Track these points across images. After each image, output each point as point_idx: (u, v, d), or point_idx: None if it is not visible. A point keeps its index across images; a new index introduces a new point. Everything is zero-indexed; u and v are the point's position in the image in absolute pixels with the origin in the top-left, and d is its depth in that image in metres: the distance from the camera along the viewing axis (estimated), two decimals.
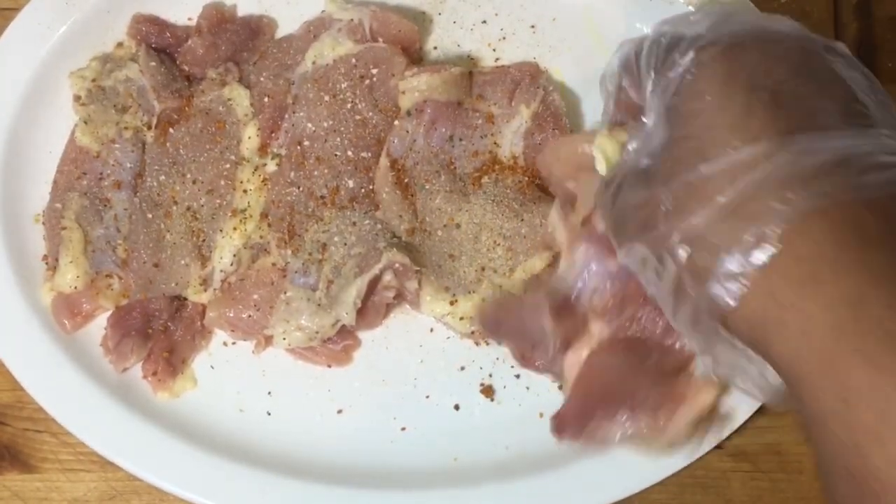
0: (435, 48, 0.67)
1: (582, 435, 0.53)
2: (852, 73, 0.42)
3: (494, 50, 0.67)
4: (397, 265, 0.59)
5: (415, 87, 0.63)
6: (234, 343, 0.63)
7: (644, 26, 0.66)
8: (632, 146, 0.45)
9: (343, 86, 0.63)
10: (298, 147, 0.63)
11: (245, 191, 0.63)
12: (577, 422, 0.53)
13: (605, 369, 0.54)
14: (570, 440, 0.53)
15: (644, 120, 0.45)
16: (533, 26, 0.67)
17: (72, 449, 0.61)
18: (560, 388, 0.57)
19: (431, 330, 0.62)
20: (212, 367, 0.62)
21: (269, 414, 0.61)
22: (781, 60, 0.41)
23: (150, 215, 0.63)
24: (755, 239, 0.37)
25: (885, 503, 0.33)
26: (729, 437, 0.60)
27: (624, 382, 0.54)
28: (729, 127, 0.40)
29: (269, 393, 0.62)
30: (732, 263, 0.38)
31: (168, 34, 0.66)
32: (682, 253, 0.40)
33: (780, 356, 0.37)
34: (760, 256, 0.37)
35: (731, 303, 0.39)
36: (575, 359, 0.55)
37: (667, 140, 0.42)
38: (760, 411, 0.60)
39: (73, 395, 0.59)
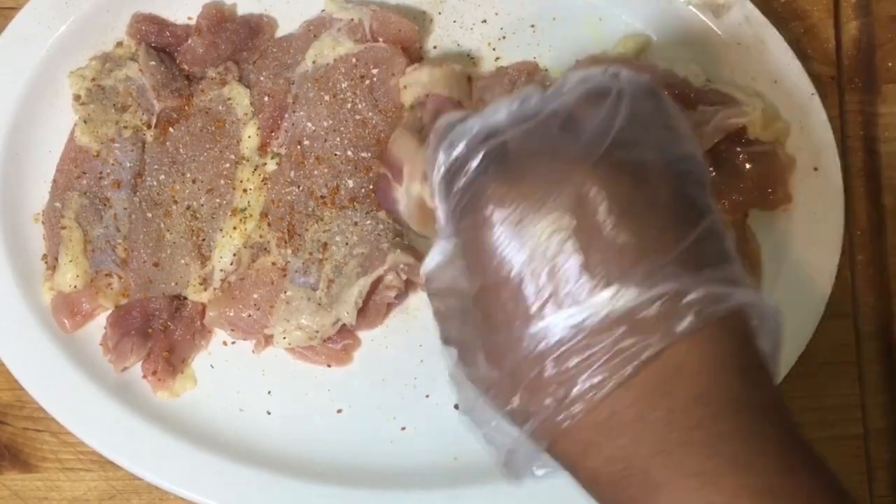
0: (435, 47, 0.67)
1: None
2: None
3: (494, 49, 0.67)
4: (402, 265, 0.59)
5: (417, 80, 0.62)
6: (233, 342, 0.63)
7: (644, 26, 0.66)
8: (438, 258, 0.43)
9: (343, 85, 0.63)
10: (298, 146, 0.63)
11: (245, 190, 0.63)
12: None
13: None
14: None
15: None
16: (533, 26, 0.67)
17: (72, 448, 0.61)
18: None
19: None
20: (212, 367, 0.62)
21: (269, 413, 0.61)
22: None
23: (149, 214, 0.63)
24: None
25: None
26: None
27: None
28: (513, 297, 0.38)
29: (269, 392, 0.62)
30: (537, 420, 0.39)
31: (168, 33, 0.66)
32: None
33: (580, 485, 0.40)
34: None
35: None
36: None
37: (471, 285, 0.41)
38: None
39: (73, 395, 0.59)
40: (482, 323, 0.40)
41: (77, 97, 0.64)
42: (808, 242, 0.62)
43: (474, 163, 0.40)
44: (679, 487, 0.36)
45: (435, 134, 0.43)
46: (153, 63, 0.64)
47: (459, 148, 0.41)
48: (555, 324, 0.37)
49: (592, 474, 0.38)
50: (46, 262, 0.63)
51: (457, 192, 0.40)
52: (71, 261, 0.61)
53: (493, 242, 0.38)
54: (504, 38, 0.67)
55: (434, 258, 0.42)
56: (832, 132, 0.63)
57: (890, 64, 0.68)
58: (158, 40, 0.66)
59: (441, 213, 0.42)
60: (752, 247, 0.63)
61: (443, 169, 0.41)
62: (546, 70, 0.65)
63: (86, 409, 0.59)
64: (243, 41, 0.66)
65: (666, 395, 0.37)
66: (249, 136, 0.64)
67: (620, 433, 0.37)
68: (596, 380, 0.37)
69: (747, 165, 0.62)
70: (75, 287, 0.61)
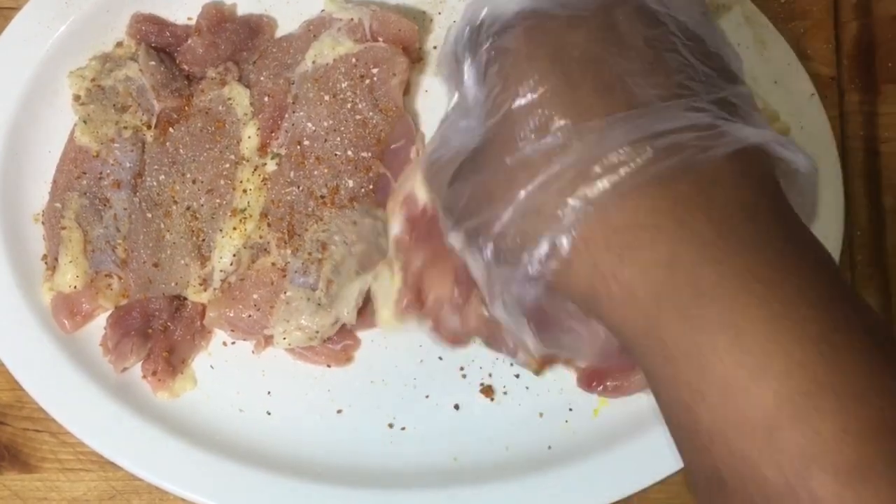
0: (435, 48, 0.67)
1: (617, 386, 0.58)
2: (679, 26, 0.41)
3: None
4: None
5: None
6: (233, 343, 0.63)
7: None
8: (461, 123, 0.44)
9: (343, 85, 0.63)
10: (298, 147, 0.63)
11: (245, 190, 0.63)
12: (612, 374, 0.58)
13: None
14: (601, 392, 0.59)
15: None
16: None
17: (71, 448, 0.61)
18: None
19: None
20: (211, 367, 0.62)
21: (269, 414, 0.61)
22: (582, 30, 0.39)
23: (149, 215, 0.63)
24: (548, 245, 0.38)
25: (713, 454, 0.34)
26: None
27: None
28: (527, 115, 0.39)
29: (269, 393, 0.62)
30: (532, 265, 0.38)
31: (168, 33, 0.66)
32: (488, 252, 0.41)
33: (611, 322, 0.38)
34: (552, 262, 0.38)
35: (534, 300, 0.40)
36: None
37: (486, 128, 0.41)
38: None
39: (73, 395, 0.59)
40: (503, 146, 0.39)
41: (77, 97, 0.64)
42: None
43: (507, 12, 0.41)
44: (733, 297, 0.34)
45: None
46: (153, 63, 0.64)
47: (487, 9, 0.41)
48: (599, 123, 0.37)
49: (628, 287, 0.36)
50: (46, 263, 0.63)
51: (490, 40, 0.41)
52: (71, 261, 0.61)
53: (529, 67, 0.39)
54: None
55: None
56: (832, 132, 0.63)
57: (890, 64, 0.68)
58: (158, 40, 0.66)
59: (469, 71, 0.42)
60: None
61: (468, 28, 0.42)
62: None
63: (86, 410, 0.59)
64: (243, 41, 0.66)
65: (706, 203, 0.36)
66: (249, 137, 0.64)
67: (661, 236, 0.36)
68: (630, 168, 0.36)
69: None
70: (75, 287, 0.61)
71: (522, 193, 0.38)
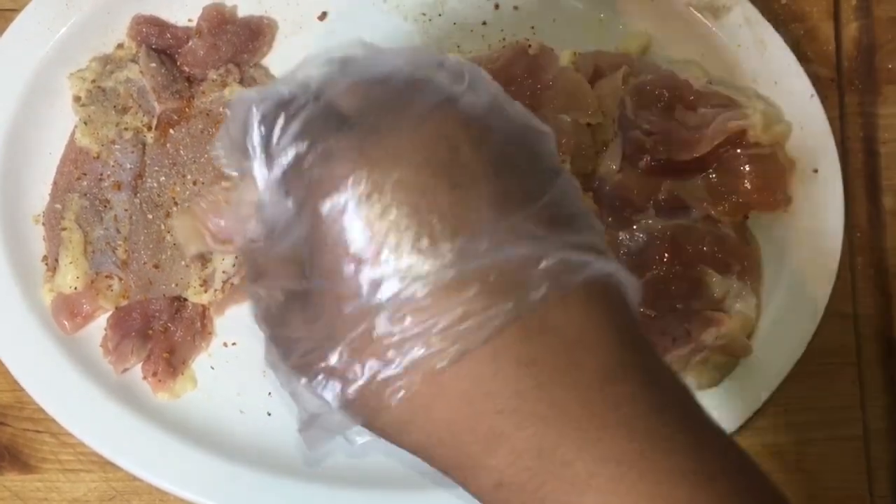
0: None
1: None
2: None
3: None
4: None
5: None
6: (234, 344, 0.63)
7: (644, 28, 0.66)
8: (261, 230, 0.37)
9: None
10: None
11: None
12: None
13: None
14: None
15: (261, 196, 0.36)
16: (533, 27, 0.67)
17: (72, 449, 0.61)
18: None
19: None
20: (212, 368, 0.62)
21: (269, 414, 0.61)
22: (412, 157, 0.33)
23: (150, 216, 0.63)
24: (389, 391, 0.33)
25: None
26: None
27: (654, 327, 0.59)
28: (352, 260, 0.33)
29: (269, 393, 0.62)
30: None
31: (168, 35, 0.66)
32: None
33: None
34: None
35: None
36: None
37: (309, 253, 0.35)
38: (760, 412, 0.60)
39: (73, 396, 0.59)
40: (309, 267, 0.34)
41: (77, 99, 0.64)
42: (809, 244, 0.62)
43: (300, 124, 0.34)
44: (609, 488, 0.32)
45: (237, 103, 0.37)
46: (154, 65, 0.65)
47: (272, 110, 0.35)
48: (391, 273, 0.32)
49: (497, 472, 0.33)
50: (47, 264, 0.63)
51: (288, 156, 0.34)
52: (71, 262, 0.61)
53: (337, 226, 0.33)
54: (504, 39, 0.67)
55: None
56: (832, 134, 0.63)
57: (890, 65, 0.68)
58: (159, 42, 0.66)
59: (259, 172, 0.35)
60: (752, 248, 0.63)
61: (258, 129, 0.35)
62: None
63: (86, 410, 0.59)
64: (244, 43, 0.66)
65: (570, 371, 0.33)
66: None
67: (527, 421, 0.32)
68: (444, 344, 0.32)
69: (747, 167, 0.62)
70: (75, 288, 0.61)
71: (333, 358, 0.34)
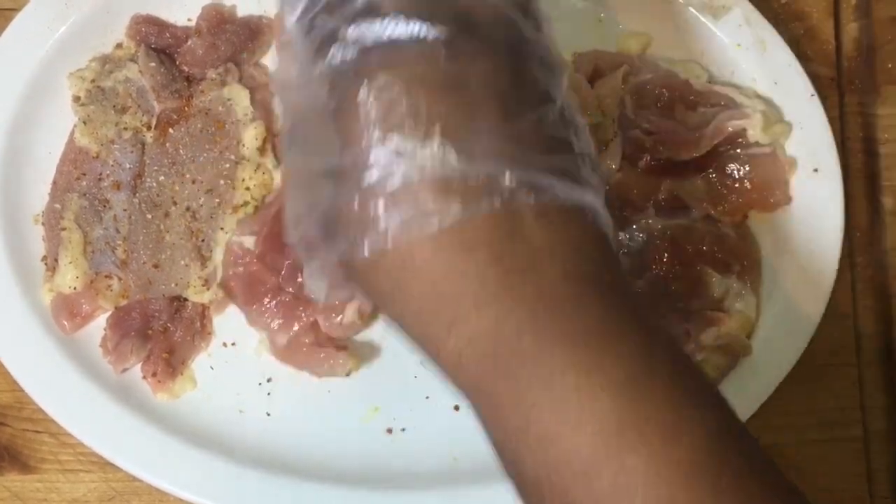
0: None
1: None
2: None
3: None
4: None
5: None
6: (233, 344, 0.63)
7: (644, 27, 0.66)
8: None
9: None
10: None
11: (247, 188, 0.63)
12: None
13: None
14: None
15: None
16: None
17: (71, 449, 0.61)
18: None
19: None
20: (211, 368, 0.62)
21: (269, 414, 0.61)
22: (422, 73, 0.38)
23: (149, 216, 0.63)
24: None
25: (545, 499, 0.37)
26: None
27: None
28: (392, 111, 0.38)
29: (269, 394, 0.62)
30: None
31: (167, 35, 0.66)
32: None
33: (439, 365, 0.39)
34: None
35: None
36: None
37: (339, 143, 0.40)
38: (759, 412, 0.60)
39: (73, 396, 0.59)
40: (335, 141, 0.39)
41: (77, 98, 0.64)
42: (808, 244, 0.62)
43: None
44: (550, 360, 0.36)
45: None
46: (153, 64, 0.64)
47: None
48: (392, 155, 0.37)
49: (455, 353, 0.38)
50: (46, 264, 0.62)
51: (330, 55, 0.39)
52: (71, 262, 0.61)
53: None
54: None
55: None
56: (832, 134, 0.63)
57: (890, 65, 0.68)
58: (158, 42, 0.66)
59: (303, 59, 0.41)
60: (752, 248, 0.63)
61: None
62: None
63: (85, 411, 0.59)
64: (243, 42, 0.66)
65: (534, 272, 0.37)
66: (256, 138, 0.64)
67: (487, 307, 0.36)
68: (422, 222, 0.37)
69: (747, 167, 0.62)
70: (75, 288, 0.61)
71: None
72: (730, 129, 0.61)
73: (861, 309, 0.65)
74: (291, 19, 0.41)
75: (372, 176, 0.37)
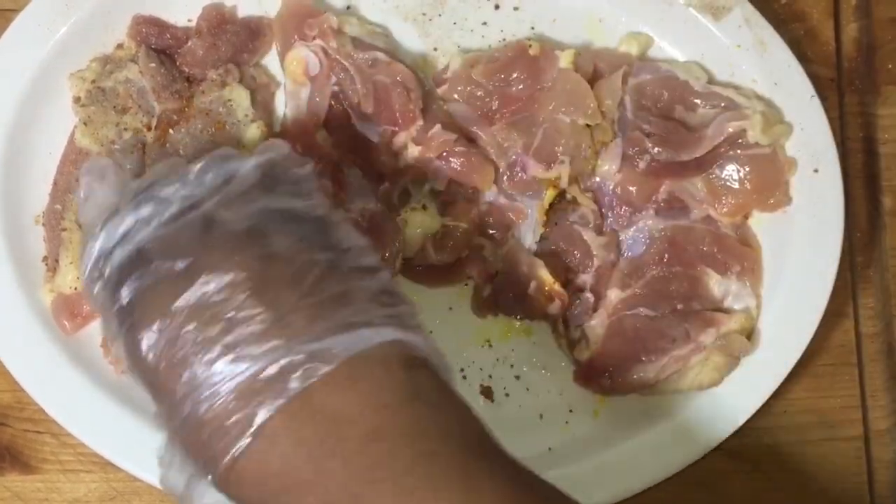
0: (435, 49, 0.67)
1: (613, 383, 0.60)
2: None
3: None
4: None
5: None
6: None
7: (644, 28, 0.66)
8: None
9: None
10: None
11: None
12: (609, 370, 0.60)
13: (634, 319, 0.60)
14: (598, 390, 0.61)
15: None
16: (533, 27, 0.67)
17: (72, 450, 0.62)
18: None
19: (430, 332, 0.62)
20: None
21: None
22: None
23: None
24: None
25: None
26: (729, 438, 0.60)
27: (654, 327, 0.60)
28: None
29: None
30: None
31: (168, 35, 0.66)
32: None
33: None
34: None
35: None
36: (599, 319, 0.61)
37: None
38: (760, 412, 0.60)
39: (73, 397, 0.59)
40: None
41: (77, 99, 0.64)
42: (809, 244, 0.62)
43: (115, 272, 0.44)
44: None
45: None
46: (153, 65, 0.64)
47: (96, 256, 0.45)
48: (201, 375, 0.41)
49: None
50: (47, 264, 0.62)
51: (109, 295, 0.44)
52: (71, 262, 0.61)
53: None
54: (504, 39, 0.67)
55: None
56: (832, 134, 0.63)
57: (890, 65, 0.68)
58: (159, 42, 0.66)
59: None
60: (752, 248, 0.63)
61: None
62: None
63: (86, 411, 0.59)
64: (243, 43, 0.66)
65: (338, 443, 0.39)
66: (251, 139, 0.64)
67: (307, 493, 0.39)
68: (228, 441, 0.40)
69: (747, 168, 0.62)
70: (75, 289, 0.61)
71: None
72: (730, 129, 0.61)
73: (861, 309, 0.65)
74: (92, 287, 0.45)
75: (184, 411, 0.42)
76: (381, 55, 0.63)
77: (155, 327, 0.42)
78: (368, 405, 0.40)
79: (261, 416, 0.39)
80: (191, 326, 0.41)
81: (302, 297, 0.41)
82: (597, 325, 0.61)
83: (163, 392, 0.43)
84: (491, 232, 0.63)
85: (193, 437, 0.42)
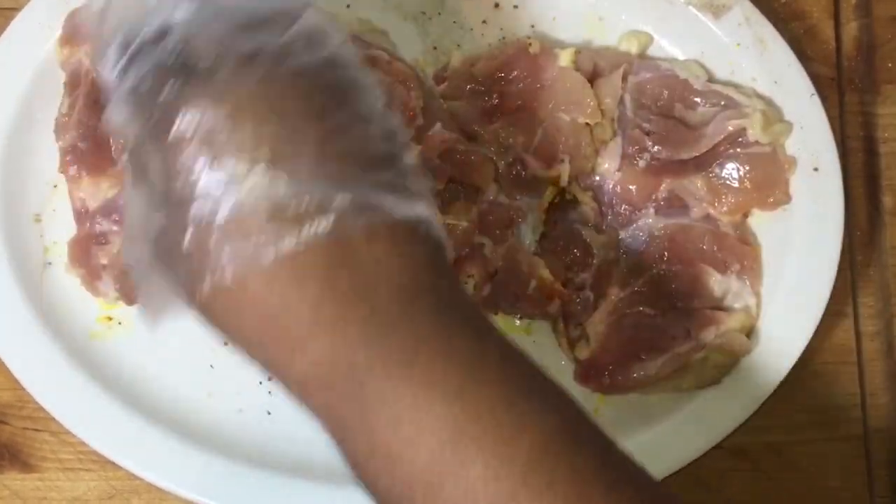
0: (435, 48, 0.67)
1: (613, 382, 0.60)
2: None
3: None
4: None
5: None
6: None
7: (644, 26, 0.66)
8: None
9: None
10: None
11: None
12: (609, 369, 0.60)
13: (634, 317, 0.60)
14: (598, 388, 0.61)
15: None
16: (532, 26, 0.67)
17: (71, 448, 0.61)
18: None
19: None
20: (212, 367, 0.62)
21: (270, 414, 0.61)
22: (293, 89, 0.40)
23: None
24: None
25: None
26: (729, 437, 0.60)
27: (654, 326, 0.60)
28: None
29: (270, 393, 0.62)
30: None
31: None
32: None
33: (284, 385, 0.41)
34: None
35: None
36: (599, 317, 0.60)
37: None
38: (760, 412, 0.60)
39: (73, 395, 0.59)
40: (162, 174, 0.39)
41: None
42: (808, 243, 0.62)
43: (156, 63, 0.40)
44: (384, 376, 0.37)
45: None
46: None
47: (135, 45, 0.40)
48: (222, 188, 0.37)
49: (301, 377, 0.39)
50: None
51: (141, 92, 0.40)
52: None
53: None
54: (504, 38, 0.67)
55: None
56: (832, 133, 0.63)
57: (890, 64, 0.68)
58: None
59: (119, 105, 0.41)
60: (752, 247, 0.63)
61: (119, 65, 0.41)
62: None
63: (86, 409, 0.59)
64: None
65: (364, 291, 0.37)
66: None
67: (322, 334, 0.37)
68: (253, 253, 0.37)
69: (747, 166, 0.62)
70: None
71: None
72: (730, 128, 0.61)
73: (861, 308, 0.65)
74: (109, 74, 0.41)
75: (201, 208, 0.37)
76: (380, 54, 0.63)
77: (199, 111, 0.38)
78: (399, 270, 0.38)
79: (288, 241, 0.37)
80: (237, 126, 0.38)
81: (359, 140, 0.39)
82: (597, 323, 0.61)
83: (180, 174, 0.38)
84: (491, 230, 0.63)
85: (196, 239, 0.38)
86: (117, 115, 0.41)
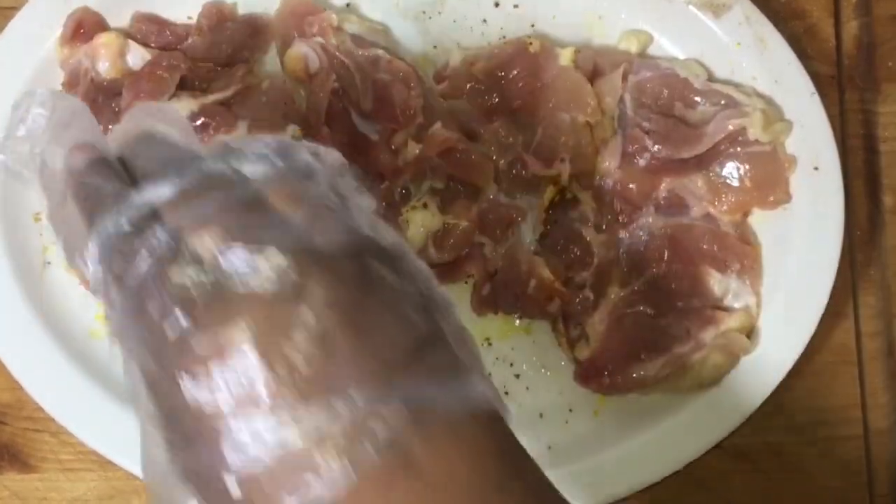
0: (435, 47, 0.67)
1: (613, 382, 0.60)
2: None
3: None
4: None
5: None
6: None
7: (644, 26, 0.66)
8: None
9: None
10: None
11: None
12: (609, 369, 0.60)
13: (634, 317, 0.60)
14: (598, 389, 0.60)
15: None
16: (533, 25, 0.67)
17: (71, 448, 0.62)
18: None
19: None
20: None
21: None
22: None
23: None
24: None
25: None
26: (729, 437, 0.60)
27: (654, 325, 0.60)
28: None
29: None
30: None
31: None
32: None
33: None
34: None
35: None
36: (599, 317, 0.61)
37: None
38: (760, 411, 0.60)
39: (73, 395, 0.59)
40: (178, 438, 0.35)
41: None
42: (809, 242, 0.62)
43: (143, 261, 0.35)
44: None
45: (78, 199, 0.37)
46: None
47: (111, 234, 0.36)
48: (255, 434, 0.32)
49: None
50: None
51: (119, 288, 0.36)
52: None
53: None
54: (504, 37, 0.67)
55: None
56: (832, 131, 0.63)
57: (890, 63, 0.68)
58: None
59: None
60: (752, 247, 0.63)
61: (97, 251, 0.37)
62: None
63: (85, 410, 0.59)
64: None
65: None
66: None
67: None
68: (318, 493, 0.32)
69: (747, 165, 0.62)
70: None
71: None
72: (730, 127, 0.61)
73: (861, 308, 0.65)
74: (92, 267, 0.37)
75: (239, 451, 0.32)
76: (381, 53, 0.63)
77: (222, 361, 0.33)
78: (466, 468, 0.34)
79: (339, 476, 0.32)
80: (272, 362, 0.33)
81: (395, 331, 0.34)
82: (597, 323, 0.61)
83: (200, 439, 0.33)
84: (491, 230, 0.63)
85: (246, 488, 0.33)
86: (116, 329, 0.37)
